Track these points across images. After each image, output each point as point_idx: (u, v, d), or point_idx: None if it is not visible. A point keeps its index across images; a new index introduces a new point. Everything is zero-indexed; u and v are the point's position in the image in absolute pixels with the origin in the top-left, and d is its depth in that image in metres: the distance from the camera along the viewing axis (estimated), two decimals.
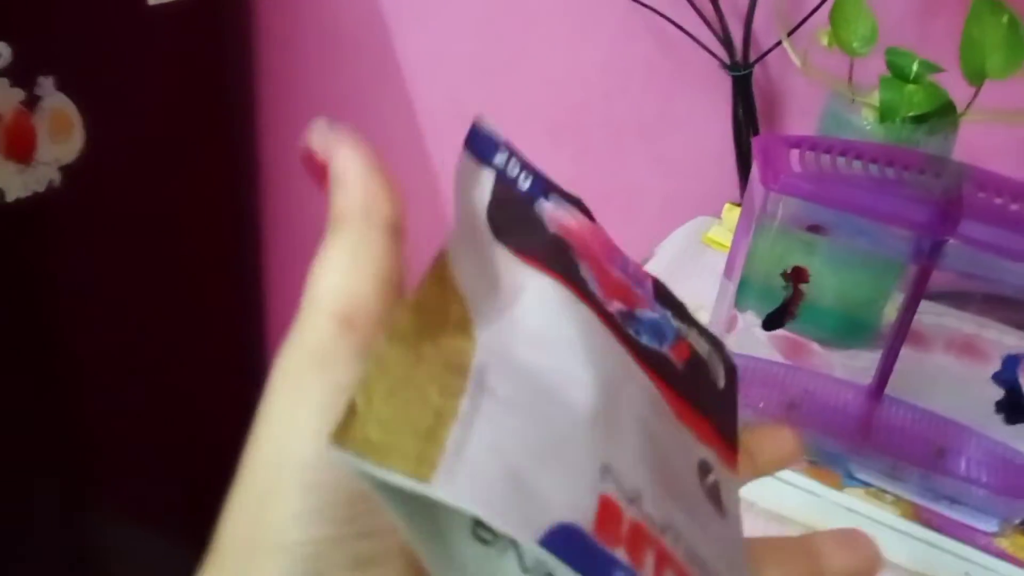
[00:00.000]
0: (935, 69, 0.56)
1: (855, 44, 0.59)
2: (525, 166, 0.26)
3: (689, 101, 0.83)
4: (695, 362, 0.26)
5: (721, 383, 0.27)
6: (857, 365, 0.59)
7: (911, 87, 0.56)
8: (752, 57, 0.76)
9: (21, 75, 0.75)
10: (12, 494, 0.87)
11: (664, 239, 0.78)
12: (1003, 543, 0.50)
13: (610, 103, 0.87)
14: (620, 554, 0.17)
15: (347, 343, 0.20)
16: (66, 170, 0.81)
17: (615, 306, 0.24)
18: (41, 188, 0.79)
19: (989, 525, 0.50)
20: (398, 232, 0.22)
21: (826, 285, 0.60)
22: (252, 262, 1.11)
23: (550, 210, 0.26)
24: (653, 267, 0.72)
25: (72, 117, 0.80)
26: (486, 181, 0.25)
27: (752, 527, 0.31)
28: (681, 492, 0.21)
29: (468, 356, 0.19)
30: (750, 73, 0.76)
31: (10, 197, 0.77)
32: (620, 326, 0.24)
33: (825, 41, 0.59)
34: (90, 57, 0.81)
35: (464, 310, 0.20)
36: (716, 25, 0.75)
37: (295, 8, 0.98)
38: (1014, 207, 0.44)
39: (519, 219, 0.24)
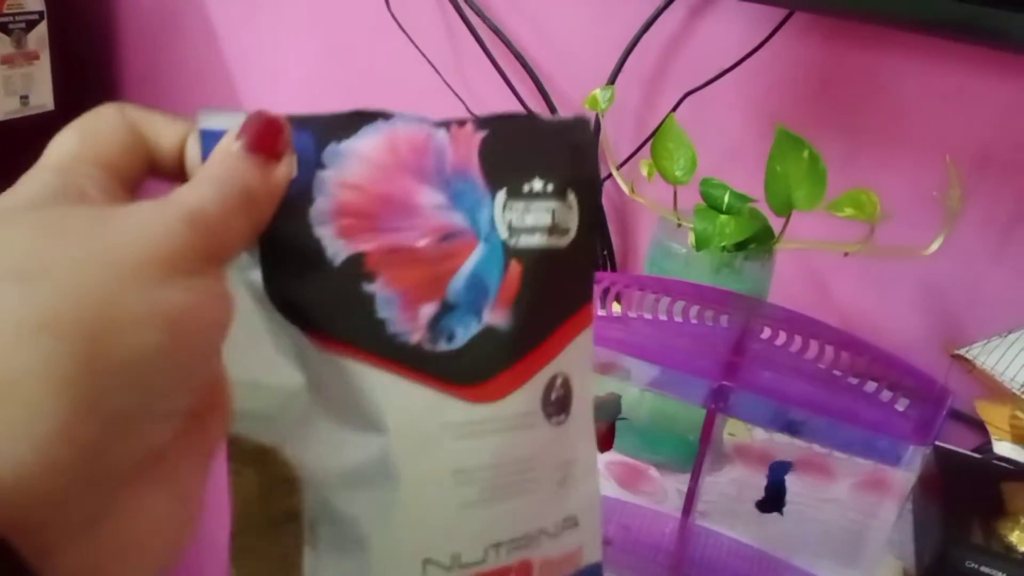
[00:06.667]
0: (747, 200, 0.58)
1: (677, 173, 0.60)
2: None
3: None
4: (535, 264, 0.25)
5: (572, 234, 0.25)
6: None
7: (724, 218, 0.57)
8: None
9: None
10: None
11: None
12: None
13: None
14: None
15: None
16: None
17: (424, 313, 0.23)
18: None
19: None
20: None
21: (654, 408, 0.60)
22: None
23: (330, 188, 0.22)
24: None
25: None
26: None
27: None
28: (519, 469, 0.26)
29: (299, 507, 0.24)
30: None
31: None
32: (421, 358, 0.23)
33: (645, 172, 0.61)
34: None
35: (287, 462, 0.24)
36: None
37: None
38: (794, 347, 0.45)
39: (302, 257, 0.22)
